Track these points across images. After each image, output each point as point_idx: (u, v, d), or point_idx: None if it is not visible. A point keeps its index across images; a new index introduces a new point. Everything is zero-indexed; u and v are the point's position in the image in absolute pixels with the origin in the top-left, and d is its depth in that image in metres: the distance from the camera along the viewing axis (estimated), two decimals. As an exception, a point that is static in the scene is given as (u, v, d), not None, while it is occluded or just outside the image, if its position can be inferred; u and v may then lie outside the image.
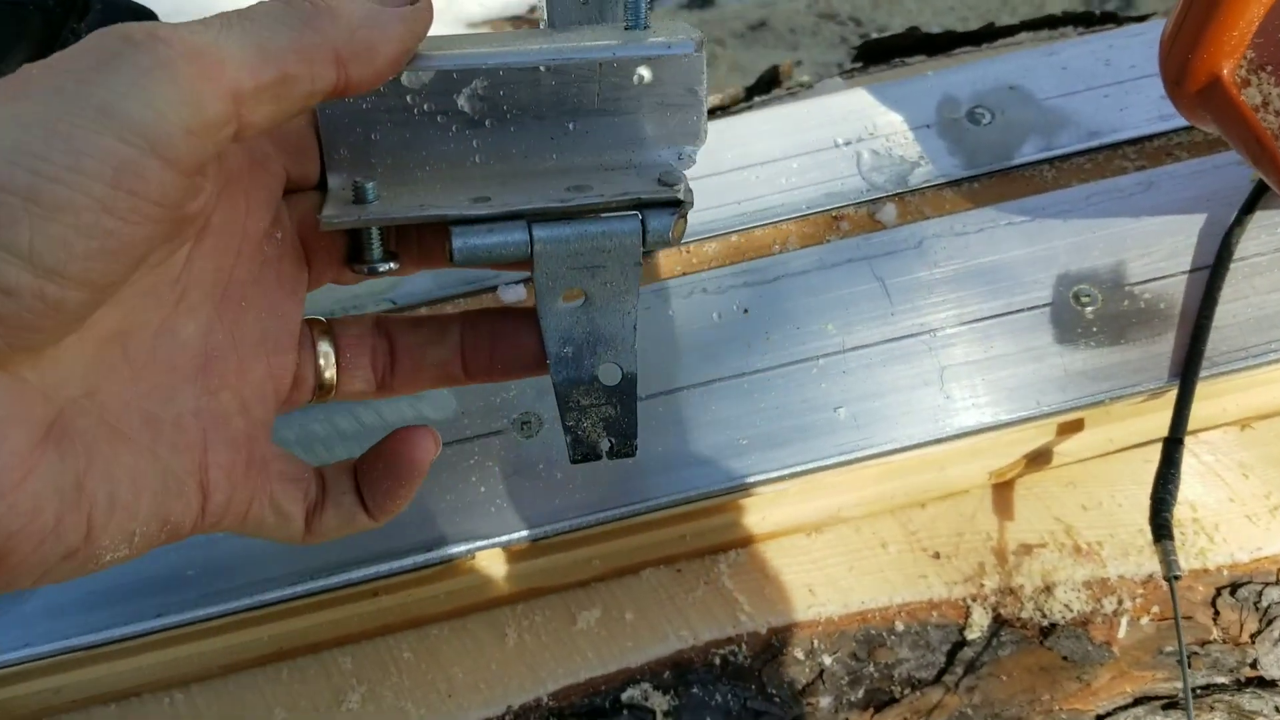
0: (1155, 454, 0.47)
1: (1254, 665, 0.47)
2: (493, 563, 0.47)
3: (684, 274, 0.51)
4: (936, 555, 0.50)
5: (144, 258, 0.26)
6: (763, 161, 0.54)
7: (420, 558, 0.44)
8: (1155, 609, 0.49)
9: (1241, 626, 0.48)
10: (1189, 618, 0.48)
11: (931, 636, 0.48)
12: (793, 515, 0.50)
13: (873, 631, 0.48)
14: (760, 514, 0.50)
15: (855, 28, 1.21)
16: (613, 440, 0.35)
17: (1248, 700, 0.47)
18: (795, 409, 0.47)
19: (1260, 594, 0.49)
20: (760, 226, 0.53)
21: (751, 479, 0.46)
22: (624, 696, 0.47)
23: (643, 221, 0.33)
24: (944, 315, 0.49)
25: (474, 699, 0.47)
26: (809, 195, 0.53)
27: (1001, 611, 0.49)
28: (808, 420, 0.47)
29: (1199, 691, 0.47)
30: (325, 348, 0.34)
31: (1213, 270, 0.49)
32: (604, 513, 0.45)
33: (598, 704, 0.47)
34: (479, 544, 0.45)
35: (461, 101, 0.33)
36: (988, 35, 0.67)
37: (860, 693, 0.47)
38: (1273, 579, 0.49)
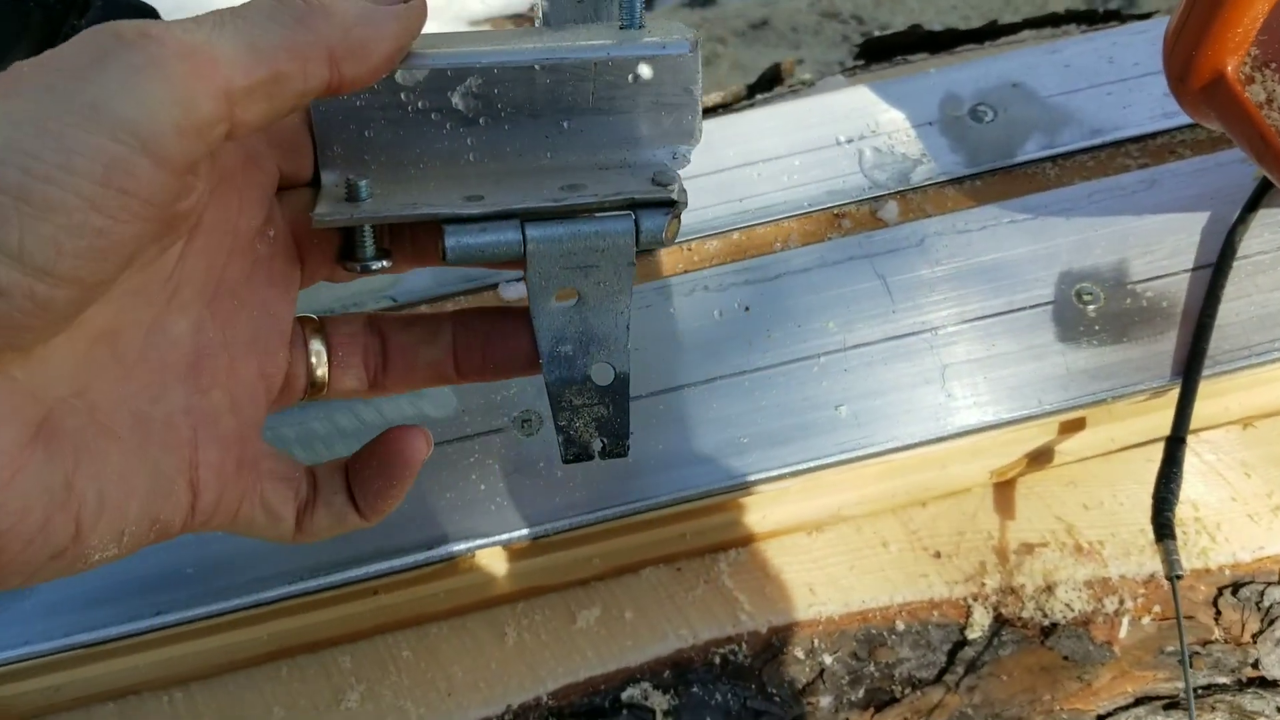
0: (1157, 453, 0.47)
1: (1255, 665, 0.47)
2: (492, 561, 0.47)
3: (685, 271, 0.51)
4: (937, 554, 0.50)
5: (134, 257, 0.25)
6: (764, 159, 0.54)
7: (420, 556, 0.44)
8: (1157, 609, 0.48)
9: (1243, 626, 0.48)
10: (1190, 617, 0.48)
11: (932, 636, 0.48)
12: (793, 514, 0.50)
13: (873, 631, 0.48)
14: (761, 513, 0.49)
15: (857, 26, 1.21)
16: (605, 440, 0.35)
17: (1249, 700, 0.47)
18: (796, 407, 0.47)
19: (1262, 594, 0.49)
20: (762, 224, 0.53)
21: (752, 477, 0.46)
22: (624, 696, 0.47)
23: (636, 221, 0.32)
24: (945, 313, 0.49)
25: (473, 698, 0.47)
26: (810, 193, 0.53)
27: (1002, 611, 0.48)
28: (809, 418, 0.47)
29: (1200, 691, 0.47)
30: (317, 346, 0.34)
31: (1215, 268, 0.49)
32: (604, 511, 0.45)
33: (597, 703, 0.47)
34: (479, 542, 0.45)
35: (456, 99, 0.33)
36: (990, 33, 0.67)
37: (861, 692, 0.47)
38: (1275, 579, 0.49)
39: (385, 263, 0.33)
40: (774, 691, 0.47)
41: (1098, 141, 0.54)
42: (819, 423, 0.47)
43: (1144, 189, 0.52)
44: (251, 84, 0.26)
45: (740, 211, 0.53)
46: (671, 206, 0.33)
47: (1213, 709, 0.46)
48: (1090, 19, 0.70)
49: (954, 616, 0.49)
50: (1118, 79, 0.56)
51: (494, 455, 0.46)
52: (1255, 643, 0.48)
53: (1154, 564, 0.49)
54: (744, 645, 0.48)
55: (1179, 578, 0.44)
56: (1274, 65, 0.41)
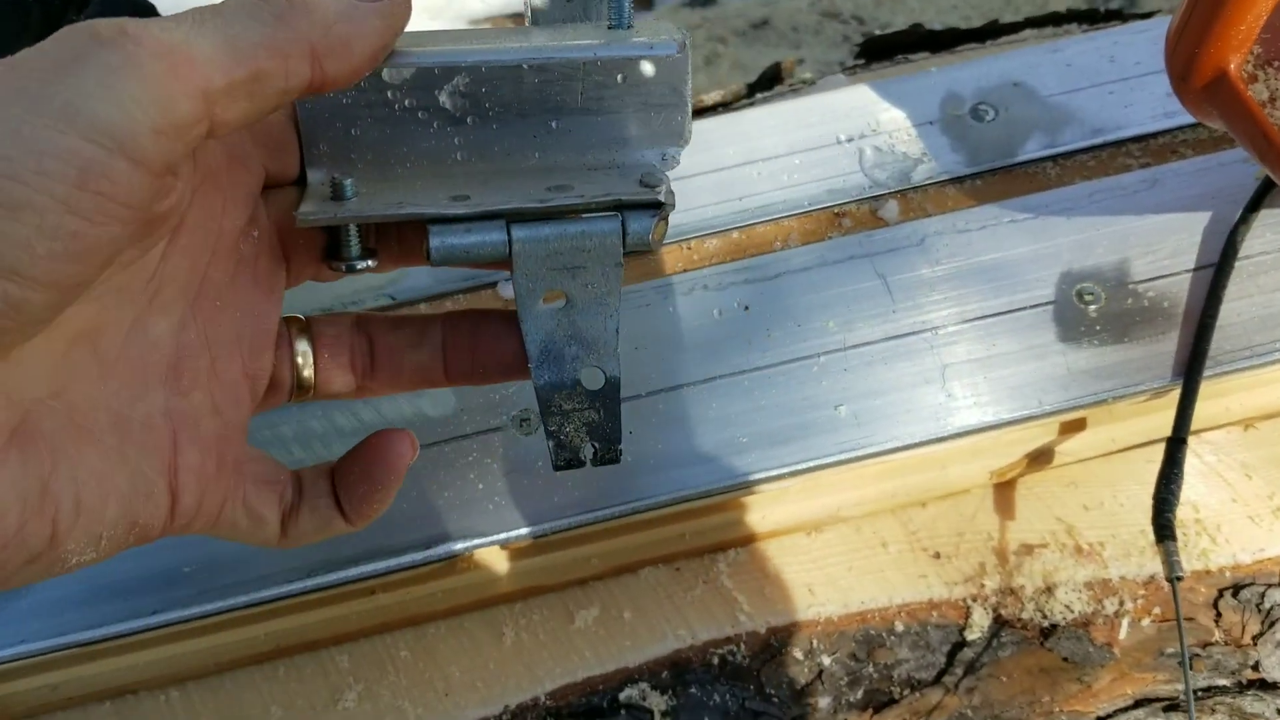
0: (1158, 454, 0.47)
1: (1256, 667, 0.47)
2: (490, 561, 0.47)
3: (685, 270, 0.51)
4: (937, 555, 0.50)
5: (111, 259, 0.25)
6: (765, 158, 0.54)
7: (418, 555, 0.44)
8: (1157, 610, 0.48)
9: (1243, 628, 0.48)
10: (1191, 619, 0.48)
11: (931, 637, 0.48)
12: (792, 514, 0.50)
13: (872, 632, 0.48)
14: (760, 513, 0.49)
15: (858, 26, 1.21)
16: (596, 445, 0.34)
17: (1249, 702, 0.46)
18: (796, 407, 0.47)
19: (1262, 596, 0.48)
20: (762, 223, 0.53)
21: (751, 477, 0.45)
22: (622, 696, 0.46)
23: (623, 223, 0.32)
24: (946, 313, 0.49)
25: (471, 698, 0.47)
26: (811, 192, 0.53)
27: (1002, 612, 0.48)
28: (808, 418, 0.47)
29: (1200, 693, 0.47)
30: (303, 347, 0.34)
31: (1217, 268, 0.49)
32: (602, 511, 0.45)
33: (595, 703, 0.47)
34: (477, 542, 0.44)
35: (443, 98, 0.32)
36: (991, 32, 0.67)
37: (859, 693, 0.47)
38: (1275, 580, 0.49)
39: (371, 262, 0.33)
40: (772, 692, 0.47)
41: (1099, 141, 0.54)
42: (818, 422, 0.46)
43: (1145, 188, 0.52)
44: (231, 83, 0.25)
45: (740, 210, 0.53)
46: (658, 208, 0.32)
47: (1213, 711, 0.46)
48: (1092, 18, 0.69)
49: (953, 617, 0.48)
50: (1119, 78, 0.56)
51: (492, 454, 0.46)
52: (1255, 645, 0.48)
53: (1154, 565, 0.49)
54: (743, 646, 0.48)
55: (1179, 579, 0.44)
56: (1277, 64, 0.41)
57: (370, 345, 0.35)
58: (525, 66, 0.32)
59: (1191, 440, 0.47)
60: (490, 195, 0.32)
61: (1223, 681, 0.47)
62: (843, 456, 0.46)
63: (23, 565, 0.26)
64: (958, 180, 0.53)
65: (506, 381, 0.36)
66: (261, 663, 0.48)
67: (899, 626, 0.48)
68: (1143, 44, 0.56)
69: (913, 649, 0.48)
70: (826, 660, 0.47)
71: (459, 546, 0.44)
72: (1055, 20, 0.69)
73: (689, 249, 0.52)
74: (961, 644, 0.48)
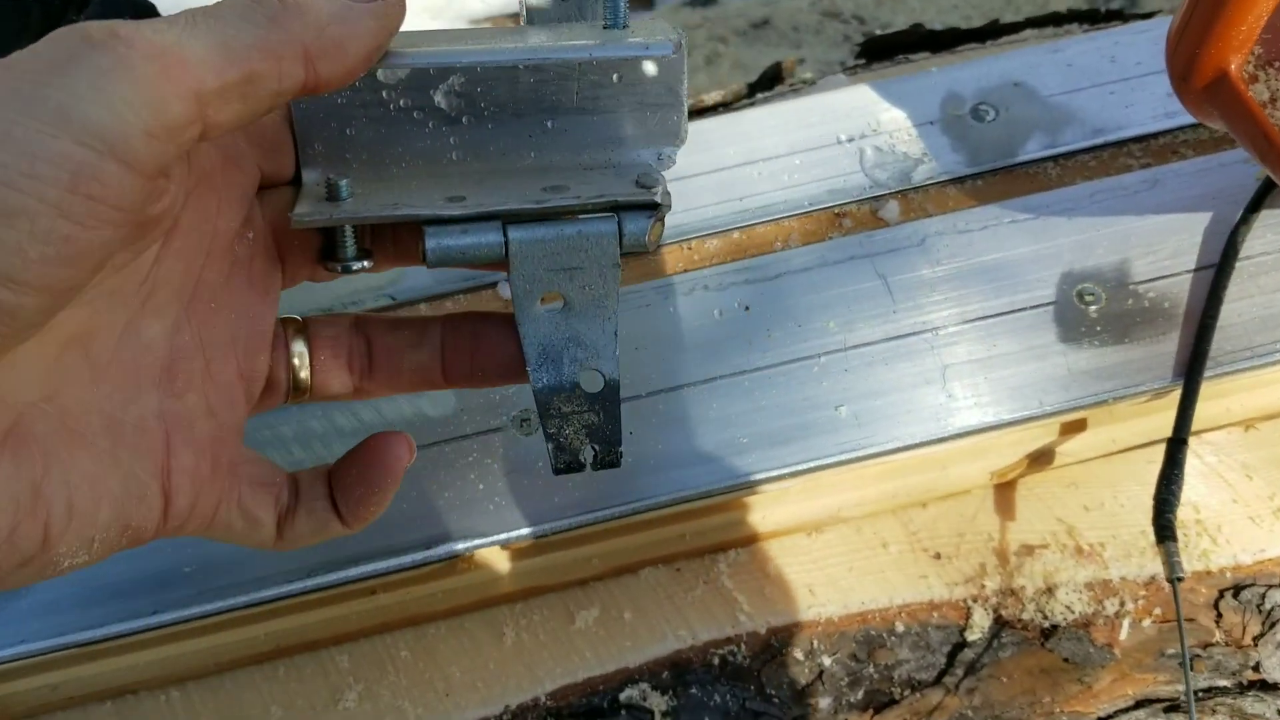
0: (1158, 454, 0.47)
1: (1256, 668, 0.47)
2: (491, 561, 0.47)
3: (685, 270, 0.51)
4: (937, 556, 0.50)
5: (104, 262, 0.25)
6: (765, 158, 0.54)
7: (418, 555, 0.44)
8: (1157, 611, 0.48)
9: (1244, 629, 0.48)
10: (1191, 620, 0.48)
11: (932, 637, 0.48)
12: (793, 514, 0.50)
13: (873, 632, 0.48)
14: (760, 513, 0.49)
15: (858, 25, 1.21)
16: (596, 448, 0.34)
17: (1250, 703, 0.46)
18: (796, 407, 0.47)
19: (1263, 596, 0.48)
20: (762, 223, 0.53)
21: (752, 478, 0.45)
22: (622, 696, 0.46)
23: (619, 224, 0.32)
24: (946, 313, 0.49)
25: (471, 698, 0.47)
26: (811, 192, 0.53)
27: (1002, 613, 0.48)
28: (809, 419, 0.47)
29: (1201, 694, 0.47)
30: (300, 348, 0.34)
31: (1218, 269, 0.49)
32: (603, 511, 0.45)
33: (596, 704, 0.47)
34: (477, 542, 0.44)
35: (438, 98, 0.32)
36: (992, 32, 0.66)
37: (860, 694, 0.47)
38: (1276, 581, 0.49)
39: (366, 263, 0.33)
40: (773, 693, 0.47)
41: (1100, 141, 0.54)
42: (819, 423, 0.46)
43: (1146, 189, 0.52)
44: (224, 85, 0.25)
45: (741, 210, 0.53)
46: (655, 209, 0.32)
47: (1213, 712, 0.46)
48: (1092, 18, 0.69)
49: (954, 618, 0.48)
50: (1120, 78, 0.55)
51: (493, 454, 0.46)
52: (1256, 645, 0.48)
53: (1155, 566, 0.49)
54: (743, 646, 0.48)
55: (1180, 580, 0.44)
56: (1277, 64, 0.41)
57: (368, 346, 0.35)
58: (521, 67, 0.32)
59: (1192, 441, 0.47)
60: (486, 196, 0.32)
61: (1223, 682, 0.47)
62: (843, 457, 0.46)
63: (15, 568, 0.26)
64: (958, 180, 0.53)
65: (505, 384, 0.36)
66: (262, 663, 0.48)
67: (899, 627, 0.48)
68: (1143, 44, 0.56)
69: (913, 649, 0.48)
70: (827, 661, 0.47)
71: (459, 547, 0.44)
72: (1056, 20, 0.69)
73: (689, 249, 0.52)
74: (962, 645, 0.48)
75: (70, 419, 0.27)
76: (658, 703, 0.46)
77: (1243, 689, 0.47)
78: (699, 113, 0.62)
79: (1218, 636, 0.48)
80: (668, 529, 0.48)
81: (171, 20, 0.25)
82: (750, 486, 0.46)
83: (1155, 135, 0.54)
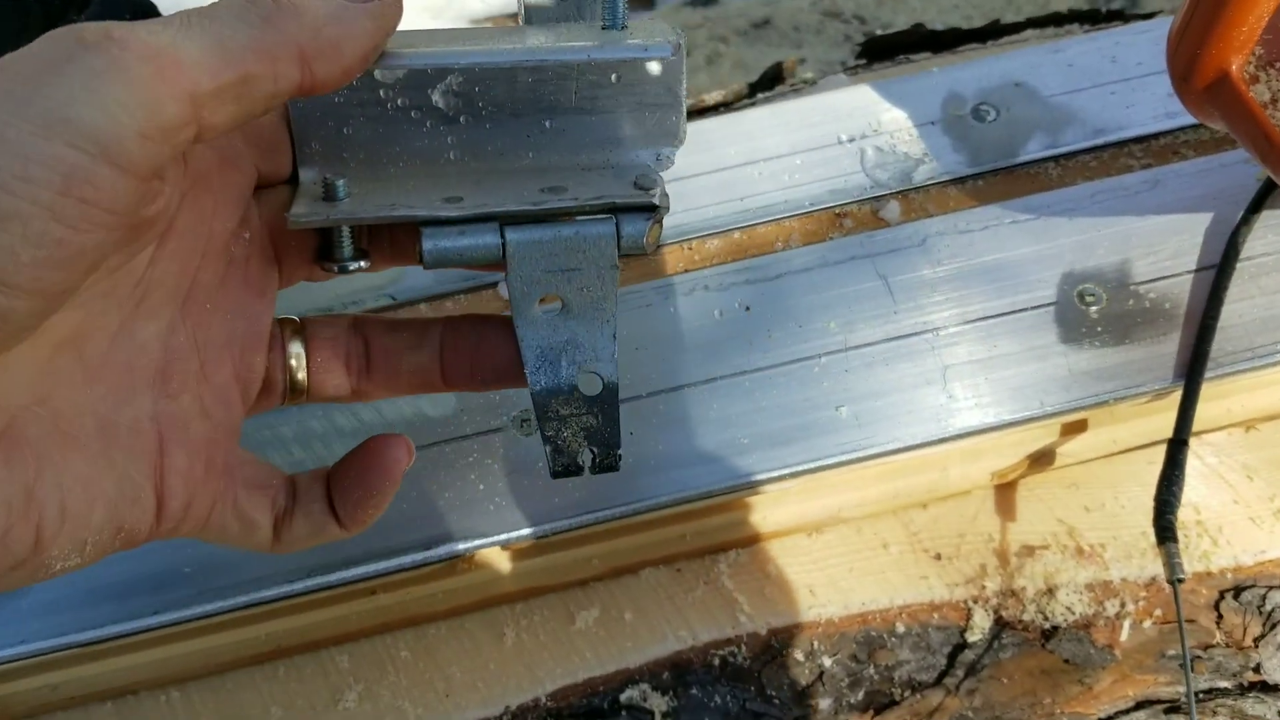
0: (1159, 455, 0.47)
1: (1257, 669, 0.47)
2: (491, 561, 0.47)
3: (686, 271, 0.51)
4: (938, 556, 0.50)
5: (97, 265, 0.25)
6: (766, 158, 0.54)
7: (418, 556, 0.44)
8: (1158, 612, 0.48)
9: (1245, 630, 0.48)
10: (1192, 621, 0.48)
11: (932, 638, 0.48)
12: (793, 515, 0.50)
13: (873, 633, 0.48)
14: (761, 514, 0.49)
15: (859, 25, 1.21)
16: (595, 450, 0.34)
17: (1251, 705, 0.46)
18: (797, 408, 0.47)
19: (1264, 598, 0.48)
20: (763, 223, 0.52)
21: (752, 478, 0.45)
22: (622, 697, 0.46)
23: (617, 225, 0.32)
24: (947, 314, 0.49)
25: (471, 699, 0.47)
26: (812, 192, 0.53)
27: (1003, 614, 0.48)
28: (809, 419, 0.47)
29: (1201, 696, 0.46)
30: (297, 349, 0.34)
31: (1219, 270, 0.49)
32: (603, 511, 0.45)
33: (596, 704, 0.47)
34: (477, 542, 0.44)
35: (436, 97, 0.32)
36: (993, 32, 0.66)
37: (860, 695, 0.47)
38: (1277, 582, 0.49)
39: (363, 263, 0.33)
40: (773, 693, 0.47)
41: (1100, 141, 0.54)
42: (820, 423, 0.46)
43: (1147, 189, 0.52)
44: (219, 86, 0.25)
45: (741, 210, 0.53)
46: (653, 211, 0.32)
47: (1214, 713, 0.46)
48: (1093, 18, 0.69)
49: (954, 619, 0.48)
50: (1121, 79, 0.55)
51: (493, 455, 0.46)
52: (1257, 647, 0.47)
53: (1155, 567, 0.49)
54: (743, 647, 0.48)
55: (1180, 581, 0.44)
56: (1278, 65, 0.41)
57: (366, 348, 0.34)
58: (519, 68, 0.32)
59: (1193, 442, 0.47)
60: (484, 196, 0.32)
61: (1224, 684, 0.47)
62: (844, 457, 0.46)
63: (6, 571, 0.26)
64: (959, 181, 0.53)
65: (504, 388, 0.36)
66: (262, 663, 0.48)
67: (900, 628, 0.48)
68: (1144, 44, 0.56)
69: (914, 650, 0.48)
70: (827, 661, 0.47)
71: (460, 547, 0.44)
72: (1057, 20, 0.69)
73: (690, 249, 0.52)
74: (962, 645, 0.48)
75: (63, 421, 0.27)
76: (658, 703, 0.46)
77: (1243, 690, 0.47)
78: (700, 112, 0.62)
79: (1218, 638, 0.48)
80: (668, 529, 0.48)
81: (166, 21, 0.25)
82: (751, 487, 0.46)
83: (1156, 136, 0.54)
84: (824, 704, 0.47)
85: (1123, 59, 0.56)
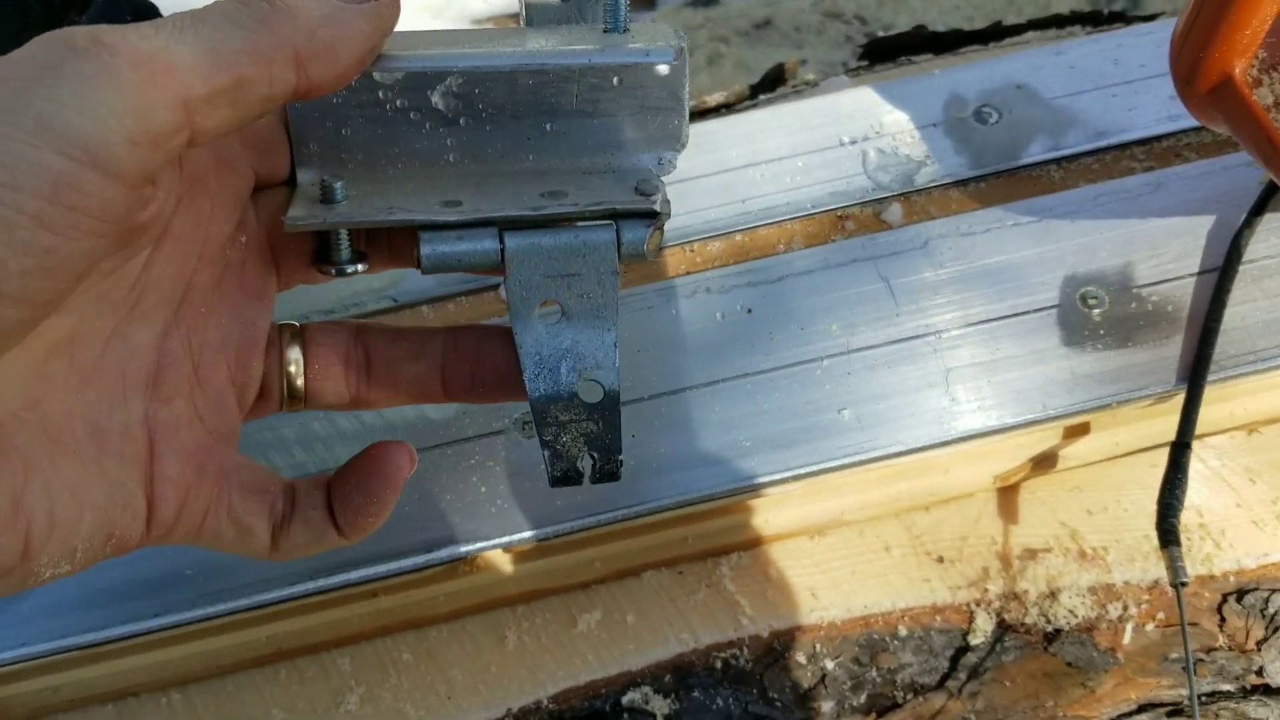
0: (1162, 458, 0.47)
1: (1260, 673, 0.47)
2: (493, 564, 0.47)
3: (687, 273, 0.51)
4: (940, 559, 0.50)
5: (87, 271, 0.25)
6: (768, 160, 0.54)
7: (420, 558, 0.44)
8: (1161, 615, 0.48)
9: (1248, 633, 0.48)
10: (1195, 624, 0.48)
11: (935, 641, 0.48)
12: (796, 518, 0.50)
13: (875, 636, 0.48)
14: (763, 516, 0.49)
15: (860, 26, 1.21)
16: (595, 456, 0.33)
17: (1253, 708, 0.46)
18: (799, 410, 0.47)
19: (1267, 601, 0.48)
20: (765, 225, 0.52)
21: (754, 481, 0.45)
22: (624, 700, 0.46)
23: (618, 232, 0.32)
24: (949, 317, 0.49)
25: (473, 701, 0.47)
26: (814, 194, 0.53)
27: (1005, 617, 0.48)
28: (811, 422, 0.46)
29: (1204, 699, 0.46)
30: (295, 355, 0.33)
31: (1221, 273, 0.49)
32: (605, 514, 0.45)
33: (598, 707, 0.47)
34: (479, 545, 0.44)
35: (436, 99, 0.32)
36: (995, 34, 0.66)
37: (862, 698, 0.47)
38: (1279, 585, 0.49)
39: (361, 266, 0.33)
40: (775, 696, 0.47)
41: (1103, 144, 0.54)
42: (822, 426, 0.46)
43: (1149, 192, 0.52)
44: (212, 91, 0.25)
45: (743, 213, 0.53)
46: (654, 218, 0.32)
47: (1217, 716, 0.46)
48: (1095, 20, 0.69)
49: (957, 622, 0.48)
50: (1123, 81, 0.55)
51: (495, 457, 0.46)
52: (1259, 650, 0.47)
53: (1158, 570, 0.49)
54: (745, 649, 0.48)
55: (1183, 584, 0.43)
56: (1282, 69, 0.41)
57: (367, 356, 0.34)
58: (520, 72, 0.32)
59: (1196, 445, 0.47)
60: (483, 201, 0.31)
61: (1227, 687, 0.47)
62: (846, 460, 0.46)
63: None
64: (961, 183, 0.53)
65: (505, 401, 0.35)
66: (263, 665, 0.48)
67: (902, 631, 0.48)
68: (1147, 46, 0.56)
69: (916, 653, 0.48)
70: (829, 664, 0.47)
71: (462, 549, 0.44)
72: (1058, 22, 0.69)
73: (691, 251, 0.52)
74: (965, 648, 0.48)
75: (53, 426, 0.27)
76: (660, 706, 0.46)
77: (1246, 693, 0.47)
78: (701, 114, 0.62)
79: (1221, 641, 0.48)
80: (670, 532, 0.48)
81: (159, 25, 0.25)
82: (753, 490, 0.46)
83: (1158, 138, 0.54)
84: (826, 707, 0.46)
85: (1125, 61, 0.56)
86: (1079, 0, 1.19)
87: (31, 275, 0.23)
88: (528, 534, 0.45)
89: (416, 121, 0.32)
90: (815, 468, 0.46)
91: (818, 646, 0.48)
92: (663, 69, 0.32)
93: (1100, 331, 0.48)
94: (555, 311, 0.33)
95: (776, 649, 0.48)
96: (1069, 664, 0.47)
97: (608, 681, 0.47)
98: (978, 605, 0.48)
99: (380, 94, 0.32)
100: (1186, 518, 0.48)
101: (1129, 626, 0.48)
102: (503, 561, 0.47)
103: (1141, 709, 0.46)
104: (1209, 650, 0.47)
